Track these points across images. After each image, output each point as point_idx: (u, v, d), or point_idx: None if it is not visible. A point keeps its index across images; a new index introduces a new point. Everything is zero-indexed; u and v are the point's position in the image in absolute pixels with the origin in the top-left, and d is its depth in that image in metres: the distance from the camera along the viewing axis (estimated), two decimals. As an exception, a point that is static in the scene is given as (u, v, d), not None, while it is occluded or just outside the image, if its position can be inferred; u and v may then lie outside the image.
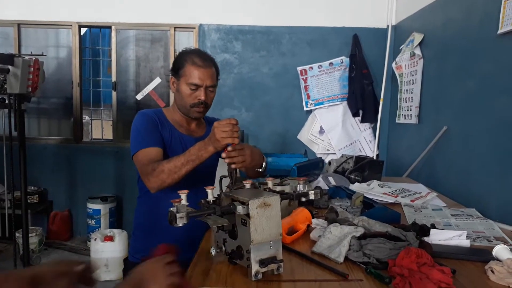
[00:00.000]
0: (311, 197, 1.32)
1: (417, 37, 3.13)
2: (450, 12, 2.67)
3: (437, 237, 1.42)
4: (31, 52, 3.45)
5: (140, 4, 4.14)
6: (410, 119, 3.23)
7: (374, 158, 3.91)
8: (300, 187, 1.33)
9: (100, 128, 5.44)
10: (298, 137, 4.16)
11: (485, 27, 2.16)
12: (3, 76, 2.78)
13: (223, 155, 1.49)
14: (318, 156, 4.03)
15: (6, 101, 2.85)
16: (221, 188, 1.38)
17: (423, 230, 1.47)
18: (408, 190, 2.21)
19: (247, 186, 1.32)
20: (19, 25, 4.29)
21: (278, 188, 1.52)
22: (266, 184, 1.38)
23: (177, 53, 1.74)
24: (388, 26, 3.91)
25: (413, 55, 3.20)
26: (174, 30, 4.22)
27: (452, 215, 1.81)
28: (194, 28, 4.16)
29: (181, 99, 1.67)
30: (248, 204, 1.11)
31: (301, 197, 1.32)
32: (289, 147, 4.06)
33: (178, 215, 1.09)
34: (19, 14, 4.21)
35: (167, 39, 4.27)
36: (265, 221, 1.14)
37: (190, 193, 1.15)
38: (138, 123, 1.65)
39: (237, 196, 1.17)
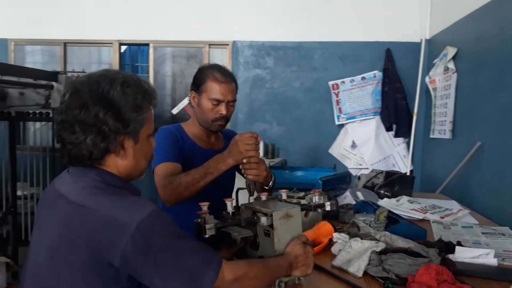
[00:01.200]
0: (327, 208, 1.34)
1: (451, 51, 3.09)
2: (484, 25, 2.62)
3: (462, 254, 1.40)
4: (73, 69, 3.67)
5: (177, 22, 4.31)
6: (444, 134, 3.17)
7: (408, 173, 3.84)
8: (316, 199, 1.35)
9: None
10: (330, 151, 4.15)
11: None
12: (48, 92, 2.97)
13: (241, 166, 1.52)
14: (351, 170, 4.00)
15: (51, 115, 3.04)
16: (237, 201, 1.42)
17: (449, 248, 1.45)
18: (438, 207, 2.17)
19: (263, 198, 1.36)
20: (65, 44, 4.57)
21: (293, 200, 1.55)
22: (281, 196, 1.41)
23: (198, 69, 1.76)
24: (421, 40, 3.87)
25: (446, 69, 3.15)
26: (209, 47, 4.35)
27: (482, 233, 1.77)
28: (228, 44, 4.28)
29: (203, 114, 1.70)
30: (271, 215, 1.15)
31: (317, 208, 1.34)
32: (320, 161, 4.06)
33: (207, 226, 1.14)
34: (65, 33, 4.49)
35: (202, 56, 4.41)
36: (287, 232, 1.18)
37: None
38: (159, 138, 1.68)
39: (259, 208, 1.21)
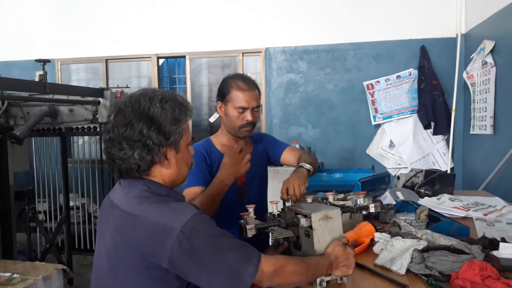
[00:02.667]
0: (371, 210, 1.38)
1: (488, 45, 3.02)
2: (522, 18, 2.57)
3: (507, 251, 1.39)
4: (117, 85, 3.87)
5: (210, 33, 4.45)
6: (485, 129, 3.10)
7: (448, 171, 3.77)
8: (361, 201, 1.39)
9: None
10: (367, 152, 4.13)
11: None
12: (95, 107, 3.16)
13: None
14: (389, 170, 3.97)
15: (98, 129, 3.22)
16: (284, 203, 1.48)
17: (493, 244, 1.45)
18: (481, 204, 2.14)
19: (309, 200, 1.42)
20: (107, 60, 4.82)
21: (339, 202, 1.59)
22: (327, 198, 1.46)
23: (222, 79, 1.84)
24: (457, 35, 3.80)
25: (485, 63, 3.09)
26: (242, 56, 4.46)
27: (529, 229, 1.74)
28: (261, 52, 4.37)
29: (230, 122, 1.78)
30: (310, 217, 1.21)
31: (362, 211, 1.38)
32: (358, 163, 4.05)
33: (248, 227, 1.22)
34: (106, 51, 4.73)
35: (236, 64, 4.52)
36: (327, 233, 1.23)
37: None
38: None
39: (300, 210, 1.27)
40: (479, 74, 3.22)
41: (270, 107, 4.38)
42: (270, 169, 3.58)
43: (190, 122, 1.42)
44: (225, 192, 1.59)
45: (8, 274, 2.42)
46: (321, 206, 1.31)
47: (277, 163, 2.01)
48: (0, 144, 2.97)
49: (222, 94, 1.79)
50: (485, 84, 3.09)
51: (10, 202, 3.09)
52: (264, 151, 1.98)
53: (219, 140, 1.86)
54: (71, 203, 3.54)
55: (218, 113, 1.85)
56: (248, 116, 1.74)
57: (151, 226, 0.98)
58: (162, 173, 1.10)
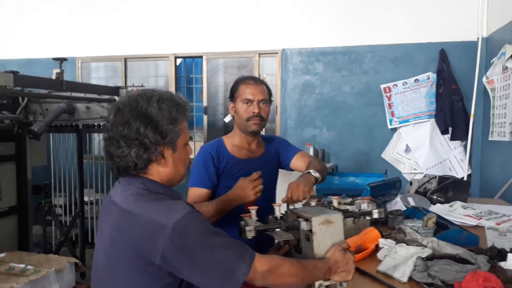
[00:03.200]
0: (375, 216, 1.36)
1: (509, 49, 2.94)
2: (544, 22, 2.49)
3: (515, 262, 1.35)
4: (133, 84, 3.93)
5: (228, 34, 4.48)
6: (504, 136, 3.02)
7: (465, 178, 3.68)
8: (364, 206, 1.38)
9: (193, 148, 5.89)
10: (382, 155, 4.08)
11: None
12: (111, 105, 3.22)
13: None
14: (405, 175, 3.92)
15: (114, 127, 3.27)
16: (287, 205, 1.48)
17: (501, 255, 1.41)
18: (495, 213, 2.09)
19: (313, 204, 1.41)
20: (126, 59, 4.89)
21: (346, 207, 1.58)
22: (332, 202, 1.45)
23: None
24: (478, 38, 3.71)
25: (505, 68, 3.01)
26: (259, 56, 4.46)
27: (542, 240, 1.68)
28: (277, 53, 4.37)
29: (239, 117, 1.81)
30: (311, 221, 1.20)
31: (365, 216, 1.37)
32: (373, 166, 4.00)
33: (247, 228, 1.22)
34: (125, 50, 4.81)
35: (252, 65, 4.53)
36: (328, 237, 1.22)
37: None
38: (195, 160, 1.81)
39: (302, 213, 1.26)
40: (499, 79, 3.14)
41: (285, 109, 4.37)
42: (282, 172, 3.58)
43: (187, 122, 1.42)
44: (230, 209, 1.62)
45: (22, 265, 2.49)
46: (323, 210, 1.30)
47: (287, 168, 2.00)
48: (19, 139, 3.05)
49: (232, 93, 1.85)
50: (505, 90, 3.01)
51: (27, 195, 3.17)
52: (276, 152, 1.98)
53: (231, 140, 1.88)
54: (86, 198, 3.61)
55: (231, 114, 1.89)
56: (255, 107, 1.77)
57: (145, 223, 1.00)
58: (159, 172, 1.12)
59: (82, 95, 3.21)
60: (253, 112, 1.77)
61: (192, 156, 1.77)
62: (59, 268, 2.57)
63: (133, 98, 1.10)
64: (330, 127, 4.24)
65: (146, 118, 1.07)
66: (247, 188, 1.58)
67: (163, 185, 1.13)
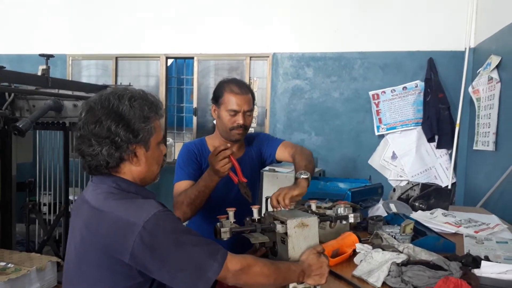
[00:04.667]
0: (351, 220, 1.38)
1: (494, 60, 2.99)
2: (528, 34, 2.54)
3: (488, 269, 1.38)
4: (121, 83, 3.91)
5: (219, 36, 4.49)
6: (488, 145, 3.06)
7: (450, 186, 3.72)
8: (341, 210, 1.39)
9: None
10: (369, 162, 4.11)
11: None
12: (99, 104, 3.21)
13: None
14: (391, 182, 3.95)
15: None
16: (266, 208, 1.48)
17: (476, 262, 1.43)
18: (475, 221, 2.12)
19: (291, 207, 1.42)
20: (117, 58, 4.88)
21: (325, 211, 1.59)
22: (310, 206, 1.46)
23: (218, 83, 1.86)
24: (466, 48, 3.76)
25: (490, 78, 3.05)
26: (250, 59, 4.48)
27: (517, 249, 1.71)
28: (268, 56, 4.39)
29: (222, 124, 1.80)
30: (286, 223, 1.21)
31: (341, 220, 1.38)
32: (359, 172, 4.03)
33: (222, 230, 1.23)
34: (117, 48, 4.80)
35: (243, 68, 4.54)
36: (302, 240, 1.23)
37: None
38: (179, 157, 1.83)
39: (278, 216, 1.27)
40: (485, 89, 3.18)
41: (275, 112, 4.38)
42: (269, 174, 3.59)
43: (162, 121, 1.41)
44: (212, 186, 1.61)
45: (3, 264, 2.46)
46: (299, 213, 1.31)
47: (274, 161, 2.00)
48: (4, 135, 3.02)
49: (216, 97, 1.81)
50: (490, 100, 3.06)
51: (11, 192, 3.14)
52: (257, 151, 1.97)
53: (213, 141, 1.88)
54: (72, 197, 3.58)
55: (212, 115, 1.87)
56: (240, 119, 1.76)
57: (114, 222, 1.00)
58: (131, 170, 1.12)
59: (70, 92, 3.19)
60: (238, 123, 1.76)
61: (178, 155, 1.77)
62: (40, 267, 2.54)
63: (105, 97, 1.09)
64: (319, 132, 4.26)
65: (118, 116, 1.06)
66: (220, 159, 1.53)
67: (136, 184, 1.13)
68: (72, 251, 1.09)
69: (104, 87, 3.16)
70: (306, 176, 1.70)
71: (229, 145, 1.58)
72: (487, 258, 1.47)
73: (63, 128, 3.32)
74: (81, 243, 1.05)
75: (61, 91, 3.15)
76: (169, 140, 5.27)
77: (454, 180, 3.83)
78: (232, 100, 1.76)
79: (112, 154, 1.06)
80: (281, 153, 1.95)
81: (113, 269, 1.00)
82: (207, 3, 4.51)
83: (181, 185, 1.74)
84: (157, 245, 0.97)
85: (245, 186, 1.62)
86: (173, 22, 4.61)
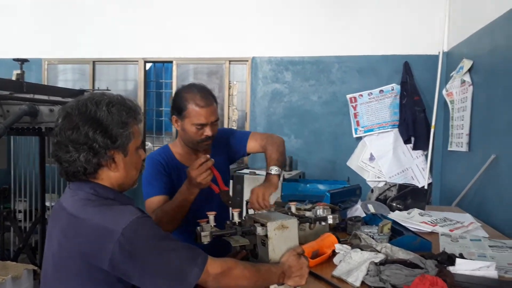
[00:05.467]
0: (330, 221, 1.40)
1: (467, 64, 3.08)
2: (497, 38, 2.62)
3: (463, 267, 1.42)
4: (98, 88, 3.87)
5: (199, 40, 4.48)
6: (461, 146, 3.15)
7: (426, 186, 3.81)
8: (320, 212, 1.41)
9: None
10: (348, 164, 4.17)
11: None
12: (75, 108, 3.16)
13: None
14: (369, 183, 4.01)
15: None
16: (247, 211, 1.50)
17: (451, 260, 1.48)
18: (450, 220, 2.18)
19: (272, 209, 1.43)
20: (94, 62, 4.82)
21: (305, 212, 1.61)
22: (290, 208, 1.48)
23: (176, 92, 1.75)
24: (439, 52, 3.86)
25: (463, 82, 3.15)
26: (229, 63, 4.49)
27: (490, 246, 1.77)
28: (247, 60, 4.41)
29: (188, 137, 1.71)
30: (267, 226, 1.23)
31: (320, 221, 1.40)
32: (338, 174, 4.08)
33: (202, 234, 1.23)
34: (94, 52, 4.74)
35: (223, 72, 4.54)
36: (282, 242, 1.24)
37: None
38: (145, 171, 1.65)
39: (258, 218, 1.29)
40: (458, 92, 3.28)
41: (255, 116, 4.40)
42: (249, 177, 3.59)
43: (141, 126, 1.36)
44: (192, 199, 1.56)
45: (-23, 273, 2.40)
46: (279, 215, 1.32)
47: (245, 155, 1.97)
48: (-23, 141, 2.95)
49: (178, 109, 1.69)
50: (463, 102, 3.15)
51: (-16, 200, 3.06)
52: (224, 150, 1.91)
53: (178, 150, 1.81)
54: (48, 203, 3.50)
55: (174, 126, 1.76)
56: (208, 131, 1.68)
57: (93, 229, 0.99)
58: (110, 176, 1.11)
59: (46, 97, 3.13)
60: (206, 135, 1.69)
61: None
62: (16, 275, 2.48)
63: (82, 102, 1.08)
64: (298, 135, 4.30)
65: (95, 122, 1.05)
66: (202, 172, 1.48)
67: (114, 190, 1.12)
68: (50, 259, 1.08)
69: (81, 91, 3.12)
70: (277, 173, 1.71)
71: (208, 156, 1.53)
72: (461, 256, 1.52)
73: (39, 133, 3.24)
74: (59, 250, 1.04)
75: (37, 96, 3.09)
76: (148, 144, 5.22)
77: (430, 181, 3.93)
78: (198, 114, 1.65)
79: (89, 160, 1.05)
80: (252, 146, 1.91)
81: (91, 277, 0.99)
82: (186, 7, 4.50)
83: (153, 201, 1.65)
84: (136, 251, 0.96)
85: (227, 194, 1.61)
86: (152, 26, 4.59)
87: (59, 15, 4.80)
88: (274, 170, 1.71)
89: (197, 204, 1.61)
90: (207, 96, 1.69)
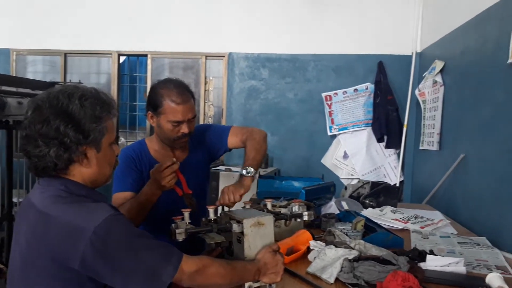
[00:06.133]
0: (305, 218, 1.41)
1: (438, 65, 3.16)
2: (468, 41, 2.70)
3: (433, 263, 1.45)
4: (70, 80, 3.76)
5: (174, 34, 4.42)
6: (432, 145, 3.23)
7: (398, 184, 3.90)
8: (295, 209, 1.42)
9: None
10: (322, 161, 4.21)
11: (498, 56, 2.19)
12: (46, 101, 3.06)
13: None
14: (342, 180, 4.07)
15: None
16: (223, 208, 1.48)
17: (421, 256, 1.51)
18: (421, 217, 2.23)
19: (247, 206, 1.43)
20: (66, 54, 4.67)
21: (281, 209, 1.61)
22: (266, 205, 1.48)
23: (152, 87, 1.71)
24: (412, 53, 3.95)
25: (435, 82, 3.22)
26: (206, 58, 4.45)
27: (459, 242, 1.82)
28: (224, 56, 4.38)
29: (164, 134, 1.68)
30: (243, 223, 1.22)
31: (296, 218, 1.41)
32: (313, 171, 4.11)
33: (177, 231, 1.21)
34: (66, 44, 4.60)
35: (199, 67, 4.50)
36: (258, 239, 1.24)
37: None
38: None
39: (234, 215, 1.28)
40: (430, 92, 3.36)
41: (231, 112, 4.38)
42: (225, 174, 3.58)
43: (115, 120, 1.32)
44: (154, 200, 1.54)
45: None
46: (254, 212, 1.32)
47: (228, 151, 1.94)
48: None
49: (154, 105, 1.65)
50: (434, 102, 3.23)
51: None
52: (204, 151, 1.89)
53: (154, 146, 1.78)
54: (15, 199, 3.38)
55: (149, 122, 1.73)
56: (184, 129, 1.66)
57: (63, 227, 0.95)
58: (82, 173, 1.07)
59: (14, 89, 3.01)
60: (183, 133, 1.66)
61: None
62: (-20, 273, 2.40)
63: (53, 95, 1.04)
64: (274, 132, 4.31)
65: (67, 116, 1.01)
66: (167, 175, 1.47)
67: (86, 187, 1.08)
68: (17, 257, 1.03)
69: (52, 84, 3.02)
70: (251, 175, 1.68)
71: (175, 159, 1.51)
72: (432, 252, 1.56)
73: (6, 126, 3.12)
74: (27, 249, 1.00)
75: (4, 88, 2.97)
76: (121, 139, 5.12)
77: (402, 178, 4.01)
78: (174, 111, 1.62)
79: (60, 155, 1.01)
80: (233, 141, 1.88)
81: (61, 276, 0.96)
82: (163, 0, 4.43)
83: (119, 197, 1.62)
84: (109, 250, 0.94)
85: (190, 198, 1.59)
86: (126, 18, 4.49)
87: (29, 4, 4.63)
88: (247, 171, 1.68)
89: (164, 205, 1.59)
90: (184, 92, 1.66)
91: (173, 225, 1.22)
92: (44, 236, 0.97)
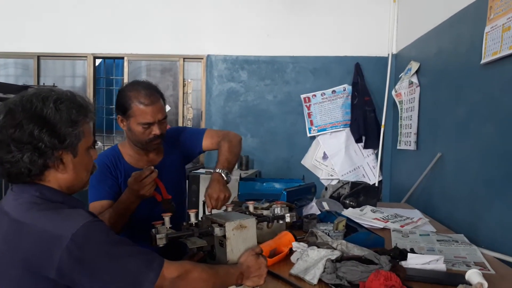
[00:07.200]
0: (287, 219, 1.40)
1: (414, 66, 3.22)
2: (442, 42, 2.76)
3: (414, 261, 1.47)
4: (44, 84, 3.66)
5: (151, 36, 4.36)
6: (410, 145, 3.28)
7: (376, 184, 3.95)
8: (278, 210, 1.41)
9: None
10: (302, 162, 4.23)
11: (471, 57, 2.24)
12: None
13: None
14: (322, 181, 4.09)
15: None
16: (204, 211, 1.46)
17: (403, 254, 1.52)
18: (400, 216, 2.25)
19: (229, 209, 1.41)
20: (39, 57, 4.55)
21: (263, 211, 1.60)
22: (248, 207, 1.47)
23: (119, 90, 1.69)
24: (389, 54, 4.02)
25: (411, 83, 3.28)
26: (183, 61, 4.41)
27: (438, 240, 1.85)
28: (202, 58, 4.35)
29: (136, 137, 1.66)
30: (225, 226, 1.20)
31: (278, 220, 1.40)
32: (293, 172, 4.13)
33: (158, 236, 1.18)
34: (39, 46, 4.48)
35: (177, 69, 4.46)
36: (241, 242, 1.22)
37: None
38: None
39: (216, 219, 1.26)
40: (406, 93, 3.42)
41: (210, 114, 4.36)
42: (206, 177, 3.55)
43: (92, 124, 1.29)
44: (133, 208, 1.53)
45: None
46: (236, 215, 1.30)
47: (202, 152, 1.95)
48: None
49: (122, 108, 1.63)
50: (411, 103, 3.28)
51: None
52: (179, 153, 1.88)
53: (127, 150, 1.75)
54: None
55: (119, 125, 1.70)
56: (155, 130, 1.63)
57: (38, 234, 0.91)
58: (57, 178, 1.03)
59: (-16, 93, 2.92)
60: (155, 134, 1.64)
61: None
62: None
63: (27, 98, 0.99)
64: (254, 134, 4.31)
65: (41, 120, 0.97)
66: (146, 184, 1.47)
67: (62, 193, 1.04)
68: None
69: (25, 87, 2.93)
70: (225, 178, 1.70)
71: (152, 167, 1.49)
72: (412, 250, 1.58)
73: (-23, 132, 3.02)
74: (1, 258, 0.96)
75: (-26, 92, 2.88)
76: (98, 143, 5.02)
77: (380, 178, 4.07)
78: (143, 113, 1.59)
79: (35, 161, 0.97)
80: (208, 144, 1.88)
81: (36, 286, 0.92)
82: (139, 1, 4.37)
83: (96, 206, 1.59)
84: (87, 258, 0.90)
85: (169, 202, 1.58)
86: (102, 19, 4.40)
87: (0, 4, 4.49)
88: (223, 172, 1.70)
89: (142, 211, 1.58)
90: (152, 93, 1.63)
91: (153, 230, 1.19)
92: (18, 245, 0.93)
